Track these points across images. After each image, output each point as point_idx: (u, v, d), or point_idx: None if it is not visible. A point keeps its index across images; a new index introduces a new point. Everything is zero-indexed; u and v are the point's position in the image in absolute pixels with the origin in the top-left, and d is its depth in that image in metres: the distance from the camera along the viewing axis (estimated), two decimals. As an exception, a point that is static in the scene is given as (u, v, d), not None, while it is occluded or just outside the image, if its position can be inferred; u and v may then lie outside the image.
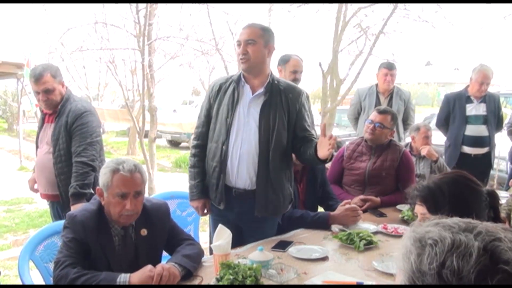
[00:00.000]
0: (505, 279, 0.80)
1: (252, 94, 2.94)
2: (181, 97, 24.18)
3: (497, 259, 0.82)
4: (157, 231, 2.45)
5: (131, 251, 2.38)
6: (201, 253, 2.49)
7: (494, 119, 5.19)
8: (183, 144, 15.36)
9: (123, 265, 2.32)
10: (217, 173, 2.95)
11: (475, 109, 5.16)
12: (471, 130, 5.16)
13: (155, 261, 2.43)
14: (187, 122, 14.40)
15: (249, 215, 2.93)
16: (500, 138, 5.60)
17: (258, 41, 2.85)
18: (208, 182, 3.05)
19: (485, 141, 5.18)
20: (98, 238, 2.26)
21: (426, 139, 4.51)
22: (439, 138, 5.69)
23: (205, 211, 3.15)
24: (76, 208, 2.72)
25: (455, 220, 0.91)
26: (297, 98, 2.97)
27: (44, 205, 6.95)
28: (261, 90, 2.93)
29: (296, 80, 4.18)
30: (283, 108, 2.91)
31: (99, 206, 2.34)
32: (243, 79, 2.97)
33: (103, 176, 2.29)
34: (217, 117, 2.98)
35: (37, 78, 3.38)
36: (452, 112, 5.29)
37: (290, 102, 2.93)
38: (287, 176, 3.01)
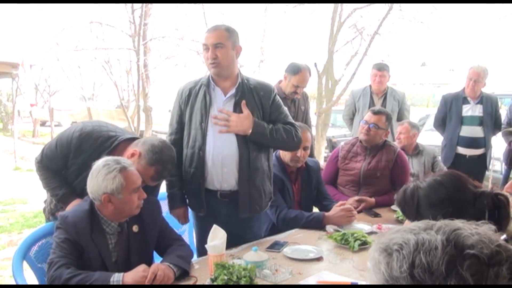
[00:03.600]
0: (474, 263, 0.82)
1: (224, 96, 2.91)
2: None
3: (461, 246, 0.84)
4: (148, 228, 2.45)
5: (125, 248, 2.38)
6: (191, 254, 2.50)
7: (490, 121, 5.19)
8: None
9: (118, 263, 2.32)
10: (197, 179, 2.92)
11: (471, 110, 5.17)
12: (466, 131, 5.16)
13: (147, 258, 2.45)
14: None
15: (237, 216, 2.92)
16: (495, 139, 5.60)
17: (226, 44, 2.80)
18: (187, 189, 3.02)
19: (480, 143, 5.18)
20: (91, 237, 2.25)
21: (399, 134, 4.66)
22: (436, 139, 5.70)
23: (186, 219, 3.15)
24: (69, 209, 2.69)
25: (415, 223, 0.94)
26: (269, 95, 2.95)
27: (38, 206, 6.94)
28: (232, 91, 2.90)
29: (295, 93, 4.20)
30: (256, 106, 2.90)
31: (91, 205, 2.32)
32: (212, 82, 2.93)
33: (112, 180, 2.21)
34: (191, 123, 2.94)
35: None
36: (448, 112, 5.29)
37: (262, 100, 2.92)
38: (266, 173, 3.00)
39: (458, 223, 0.89)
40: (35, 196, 7.38)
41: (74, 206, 2.49)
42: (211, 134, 2.87)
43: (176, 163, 2.93)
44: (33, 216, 6.66)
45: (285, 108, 3.06)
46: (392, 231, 0.95)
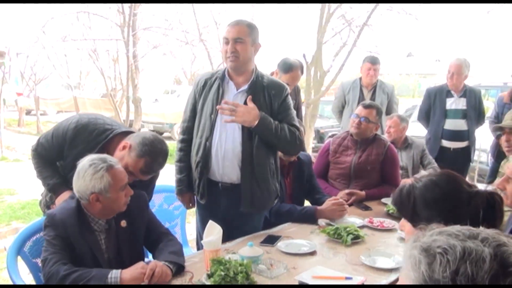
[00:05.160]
0: None
1: (236, 90, 2.96)
2: (162, 86, 23.97)
3: (506, 263, 0.86)
4: (136, 221, 2.46)
5: (115, 244, 2.38)
6: (181, 247, 2.50)
7: (474, 114, 5.26)
8: (165, 134, 15.26)
9: (110, 258, 2.33)
10: (200, 168, 2.98)
11: (455, 103, 5.23)
12: (450, 124, 5.23)
13: (138, 252, 2.47)
14: (170, 112, 14.34)
15: (237, 209, 2.96)
16: (481, 131, 5.67)
17: (246, 39, 2.85)
18: (192, 176, 3.09)
19: (464, 135, 5.25)
20: (80, 234, 2.24)
21: (389, 127, 4.67)
22: (422, 130, 5.76)
23: (191, 204, 3.23)
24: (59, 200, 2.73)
25: (457, 228, 0.95)
26: (280, 95, 2.98)
27: (26, 197, 6.90)
28: (245, 87, 2.95)
29: None
30: (266, 104, 2.93)
31: (78, 203, 2.30)
32: (227, 76, 2.98)
33: (99, 179, 2.20)
34: (202, 113, 3.00)
35: None
36: (432, 105, 5.35)
37: (273, 98, 2.95)
38: (271, 171, 3.03)
39: (503, 237, 0.91)
40: (23, 187, 7.33)
41: (60, 203, 2.48)
42: (219, 127, 2.93)
43: (186, 150, 3.07)
44: (21, 207, 6.60)
45: (294, 111, 3.09)
46: (433, 231, 0.95)
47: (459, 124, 5.23)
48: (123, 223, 2.40)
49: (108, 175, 2.23)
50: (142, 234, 2.49)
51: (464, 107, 5.21)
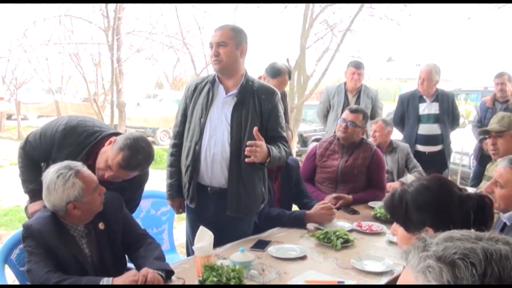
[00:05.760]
0: None
1: (226, 94, 2.97)
2: (144, 90, 23.83)
3: None
4: (113, 222, 2.44)
5: (97, 247, 2.36)
6: (161, 249, 2.48)
7: (448, 118, 5.30)
8: (149, 139, 15.15)
9: (94, 263, 2.31)
10: (190, 172, 2.99)
11: (427, 108, 5.28)
12: (424, 129, 5.27)
13: (119, 254, 2.47)
14: (153, 117, 14.27)
15: (226, 214, 2.96)
16: (462, 134, 5.74)
17: (229, 42, 2.88)
18: (182, 181, 3.09)
19: (438, 139, 5.29)
20: (61, 242, 2.21)
21: (374, 132, 4.71)
22: (400, 135, 5.83)
23: (181, 210, 3.22)
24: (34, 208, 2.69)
25: (460, 232, 0.94)
26: (270, 99, 2.99)
27: (8, 203, 6.80)
28: (234, 90, 2.96)
29: None
30: (255, 108, 2.94)
31: (53, 213, 2.27)
32: (217, 79, 3.00)
33: (72, 188, 2.19)
34: (192, 117, 3.02)
35: None
36: (406, 111, 5.40)
37: (262, 103, 2.96)
38: (259, 176, 3.03)
39: (502, 235, 0.93)
40: (4, 193, 7.22)
41: (36, 214, 2.45)
42: (208, 131, 2.93)
43: (177, 155, 3.08)
44: (3, 214, 6.48)
45: (283, 119, 3.10)
46: (437, 239, 0.93)
47: (433, 129, 5.27)
48: (101, 225, 2.39)
49: (79, 180, 2.22)
50: (120, 234, 2.48)
51: (437, 112, 5.26)
